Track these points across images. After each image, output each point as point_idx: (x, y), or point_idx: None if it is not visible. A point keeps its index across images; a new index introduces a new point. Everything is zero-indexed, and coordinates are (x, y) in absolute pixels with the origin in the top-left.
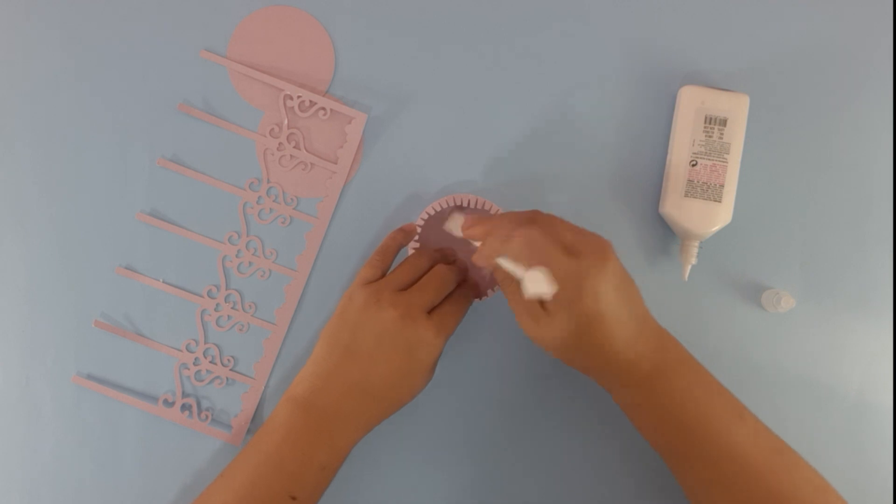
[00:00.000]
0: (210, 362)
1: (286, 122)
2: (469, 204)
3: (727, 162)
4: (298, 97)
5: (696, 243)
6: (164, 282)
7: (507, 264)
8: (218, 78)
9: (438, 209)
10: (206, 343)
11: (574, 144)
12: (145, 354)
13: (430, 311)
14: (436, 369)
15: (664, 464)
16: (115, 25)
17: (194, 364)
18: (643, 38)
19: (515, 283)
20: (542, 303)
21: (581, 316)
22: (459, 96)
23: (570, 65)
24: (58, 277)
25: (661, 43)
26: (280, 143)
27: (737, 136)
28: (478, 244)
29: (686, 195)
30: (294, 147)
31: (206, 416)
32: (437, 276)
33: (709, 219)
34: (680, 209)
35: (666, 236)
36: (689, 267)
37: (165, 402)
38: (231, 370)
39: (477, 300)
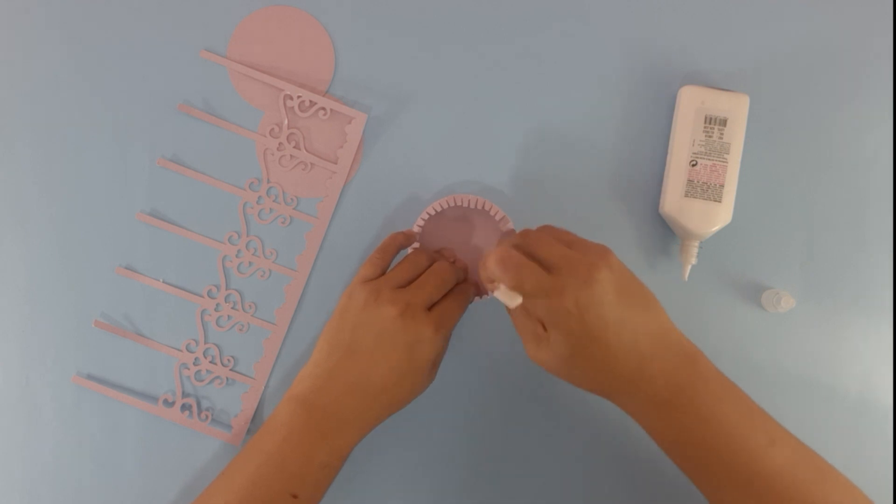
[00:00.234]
0: (210, 362)
1: (286, 122)
2: (469, 204)
3: (727, 162)
4: (298, 97)
5: (696, 243)
6: (164, 282)
7: (499, 291)
8: (218, 78)
9: (439, 209)
10: (206, 343)
11: (574, 144)
12: (145, 354)
13: (430, 308)
14: (438, 370)
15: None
16: (115, 25)
17: (194, 364)
18: (643, 38)
19: (519, 311)
20: (542, 325)
21: (570, 335)
22: (459, 96)
23: (570, 65)
24: (58, 277)
25: (661, 43)
26: (280, 143)
27: (737, 136)
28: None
29: (686, 195)
30: (294, 147)
31: (206, 416)
32: (436, 273)
33: (709, 219)
34: (680, 209)
35: (666, 236)
36: (689, 267)
37: (165, 402)
38: (231, 370)
39: (478, 298)
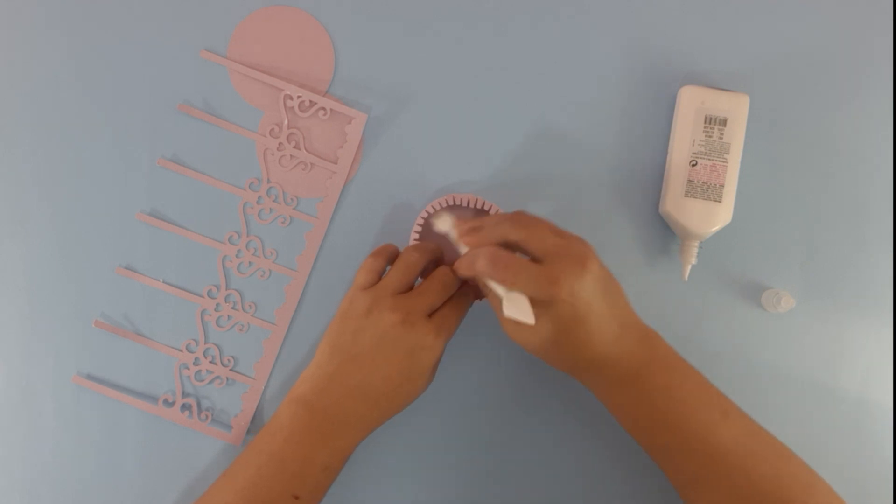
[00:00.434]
0: (210, 362)
1: (286, 122)
2: (469, 204)
3: (727, 162)
4: (298, 97)
5: (696, 243)
6: (164, 282)
7: (491, 283)
8: (218, 78)
9: (438, 208)
10: (206, 343)
11: (574, 144)
12: (145, 354)
13: (431, 314)
14: (436, 371)
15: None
16: (115, 25)
17: (194, 364)
18: (643, 38)
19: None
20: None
21: (559, 320)
22: (459, 96)
23: (570, 65)
24: (58, 277)
25: (661, 43)
26: (280, 143)
27: (737, 136)
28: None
29: (686, 195)
30: (294, 147)
31: (206, 416)
32: (438, 280)
33: (709, 219)
34: (680, 209)
35: (666, 236)
36: (689, 267)
37: (165, 402)
38: (231, 370)
39: (477, 301)
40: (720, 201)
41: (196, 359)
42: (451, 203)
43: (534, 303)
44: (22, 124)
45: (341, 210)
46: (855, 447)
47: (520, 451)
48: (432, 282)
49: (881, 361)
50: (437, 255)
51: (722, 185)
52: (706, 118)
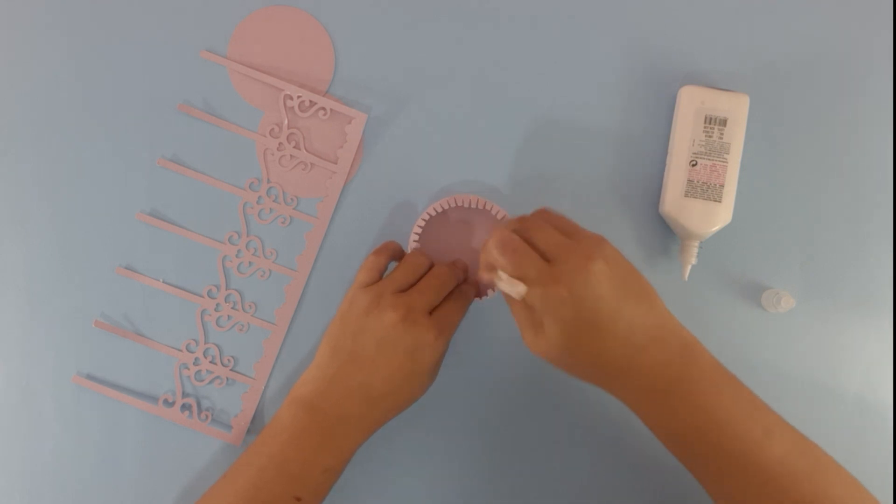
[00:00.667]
0: (210, 362)
1: (286, 122)
2: (470, 205)
3: (727, 162)
4: (298, 97)
5: (696, 243)
6: (164, 282)
7: (500, 280)
8: (218, 78)
9: (440, 209)
10: (206, 343)
11: (574, 144)
12: (145, 354)
13: (431, 312)
14: (439, 371)
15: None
16: (115, 25)
17: (194, 364)
18: (643, 38)
19: (516, 301)
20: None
21: (564, 323)
22: (459, 96)
23: (570, 65)
24: (58, 277)
25: (661, 43)
26: (280, 143)
27: (737, 136)
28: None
29: (686, 195)
30: (294, 147)
31: (206, 416)
32: (436, 277)
33: (709, 219)
34: (680, 209)
35: (666, 236)
36: (689, 267)
37: (165, 402)
38: (231, 370)
39: (477, 299)
40: (720, 201)
41: (196, 359)
42: (452, 205)
43: (540, 307)
44: (22, 124)
45: (341, 210)
46: (855, 447)
47: (526, 452)
48: (431, 279)
49: (881, 361)
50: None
51: (722, 185)
52: (706, 118)
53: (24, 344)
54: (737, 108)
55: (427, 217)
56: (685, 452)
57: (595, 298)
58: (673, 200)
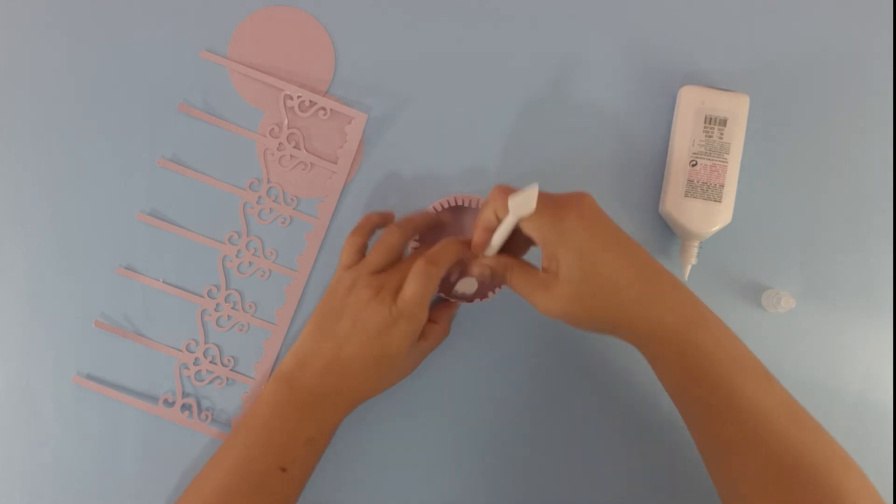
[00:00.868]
0: (210, 362)
1: (286, 122)
2: (471, 204)
3: (727, 162)
4: (298, 97)
5: (696, 243)
6: (164, 282)
7: (501, 229)
8: (218, 78)
9: (440, 209)
10: (206, 343)
11: (574, 144)
12: (145, 354)
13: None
14: (421, 353)
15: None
16: (115, 25)
17: (194, 364)
18: (643, 38)
19: (515, 266)
20: (544, 269)
21: (581, 251)
22: (459, 96)
23: (570, 65)
24: (58, 277)
25: (661, 43)
26: (280, 143)
27: (737, 136)
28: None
29: (686, 195)
30: (294, 147)
31: (206, 416)
32: (410, 259)
33: (709, 219)
34: (680, 209)
35: (666, 236)
36: (689, 267)
37: (165, 402)
38: (231, 370)
39: (478, 300)
40: (720, 201)
41: (196, 359)
42: (452, 203)
43: (553, 245)
44: (22, 124)
45: (341, 210)
46: (855, 447)
47: (519, 451)
48: (409, 260)
49: (881, 361)
50: (422, 232)
51: (722, 185)
52: (706, 118)
53: (24, 344)
54: (737, 108)
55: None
56: (687, 397)
57: (601, 220)
58: (673, 200)
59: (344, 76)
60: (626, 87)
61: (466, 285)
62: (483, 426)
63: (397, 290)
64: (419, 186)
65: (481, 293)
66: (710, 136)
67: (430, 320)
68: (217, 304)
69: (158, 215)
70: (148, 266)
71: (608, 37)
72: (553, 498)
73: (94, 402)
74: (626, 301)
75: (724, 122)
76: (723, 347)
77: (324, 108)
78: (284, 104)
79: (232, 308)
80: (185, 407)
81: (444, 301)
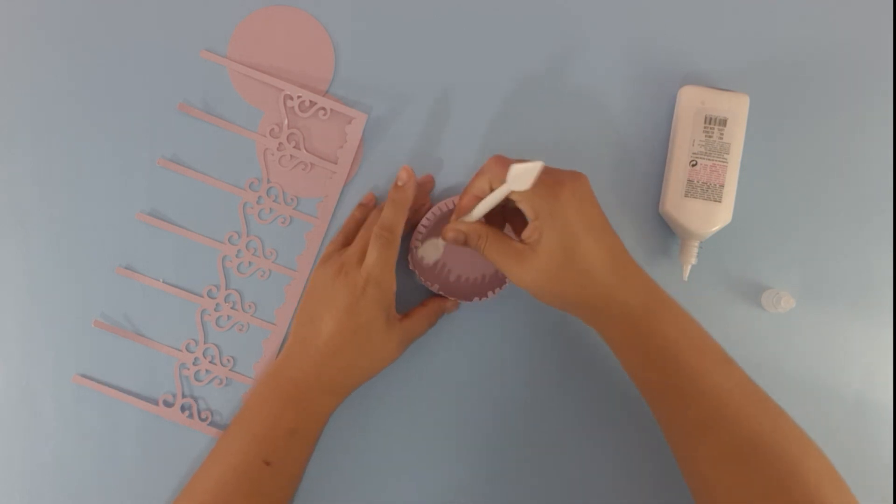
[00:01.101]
0: (210, 362)
1: (286, 122)
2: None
3: (727, 162)
4: (298, 97)
5: (696, 243)
6: (164, 282)
7: (488, 199)
8: (218, 78)
9: (445, 209)
10: (205, 343)
11: (574, 144)
12: (145, 354)
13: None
14: (400, 335)
15: (662, 466)
16: (115, 26)
17: (194, 364)
18: (643, 38)
19: (490, 235)
20: (523, 240)
21: (566, 229)
22: (459, 96)
23: (570, 65)
24: (58, 277)
25: (661, 43)
26: (280, 143)
27: (737, 136)
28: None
29: (686, 195)
30: (294, 147)
31: (206, 416)
32: (366, 228)
33: (709, 219)
34: (680, 209)
35: (666, 236)
36: (689, 267)
37: (165, 402)
38: (231, 370)
39: (478, 300)
40: (720, 201)
41: (196, 359)
42: (453, 204)
43: (542, 215)
44: (22, 124)
45: (341, 210)
46: (855, 447)
47: (518, 451)
48: (364, 232)
49: (881, 361)
50: (373, 207)
51: (722, 185)
52: (706, 118)
53: (24, 344)
54: (737, 108)
55: (431, 217)
56: (651, 381)
57: (592, 200)
58: (673, 200)
59: (344, 76)
60: (626, 87)
61: (431, 249)
62: (482, 426)
63: (360, 261)
64: (419, 186)
65: (481, 293)
66: (710, 136)
67: (420, 305)
68: (217, 304)
69: (158, 215)
70: (148, 266)
71: (608, 37)
72: (552, 497)
73: (94, 402)
74: (596, 283)
75: (724, 122)
76: (683, 331)
77: (324, 108)
78: (284, 104)
79: (232, 308)
80: (184, 407)
81: (439, 296)
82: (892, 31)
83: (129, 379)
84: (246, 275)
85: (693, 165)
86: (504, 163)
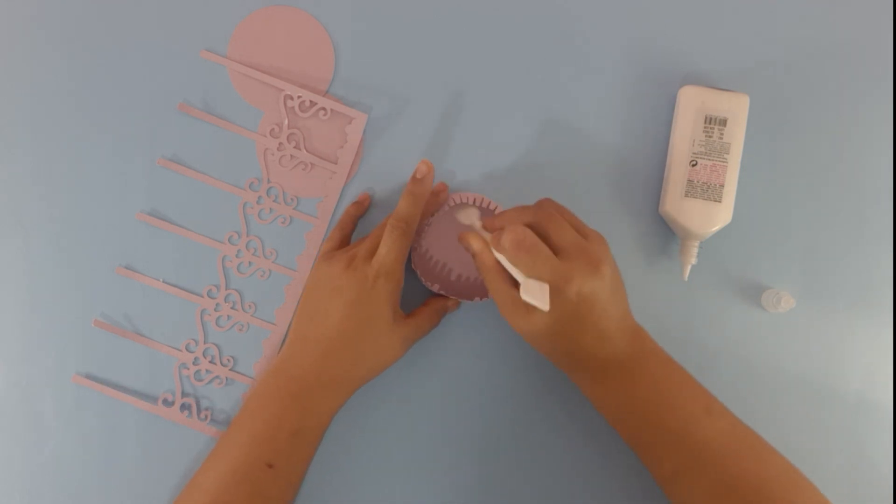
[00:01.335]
0: (210, 362)
1: (286, 122)
2: (473, 203)
3: (727, 162)
4: (299, 97)
5: (696, 243)
6: (164, 282)
7: (507, 264)
8: (218, 78)
9: (447, 209)
10: (205, 343)
11: (574, 144)
12: (145, 354)
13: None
14: (412, 336)
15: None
16: (115, 26)
17: (194, 364)
18: (643, 38)
19: (499, 274)
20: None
21: (560, 314)
22: (459, 96)
23: (570, 65)
24: (58, 277)
25: (661, 43)
26: (280, 143)
27: (737, 136)
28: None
29: (686, 195)
30: (294, 147)
31: (206, 416)
32: (380, 227)
33: (709, 219)
34: (680, 209)
35: (666, 236)
36: (689, 267)
37: (165, 401)
38: (231, 370)
39: (478, 300)
40: (720, 201)
41: (196, 358)
42: (455, 202)
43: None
44: (22, 124)
45: (341, 210)
46: (855, 447)
47: (518, 451)
48: (378, 228)
49: (881, 361)
50: (367, 206)
51: (722, 185)
52: (706, 118)
53: (24, 344)
54: (737, 108)
55: (429, 217)
56: (631, 431)
57: (594, 300)
58: (673, 200)
59: (344, 76)
60: (626, 87)
61: (470, 215)
62: (483, 426)
63: (370, 255)
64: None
65: (482, 292)
66: (710, 136)
67: (423, 305)
68: (217, 304)
69: (158, 215)
70: (148, 266)
71: (608, 37)
72: (556, 494)
73: (94, 402)
74: (580, 358)
75: (724, 122)
76: (665, 380)
77: (324, 109)
78: (285, 104)
79: (232, 308)
80: (184, 406)
81: (441, 296)
82: (892, 31)
83: (129, 379)
84: (246, 275)
85: (693, 165)
86: (523, 250)
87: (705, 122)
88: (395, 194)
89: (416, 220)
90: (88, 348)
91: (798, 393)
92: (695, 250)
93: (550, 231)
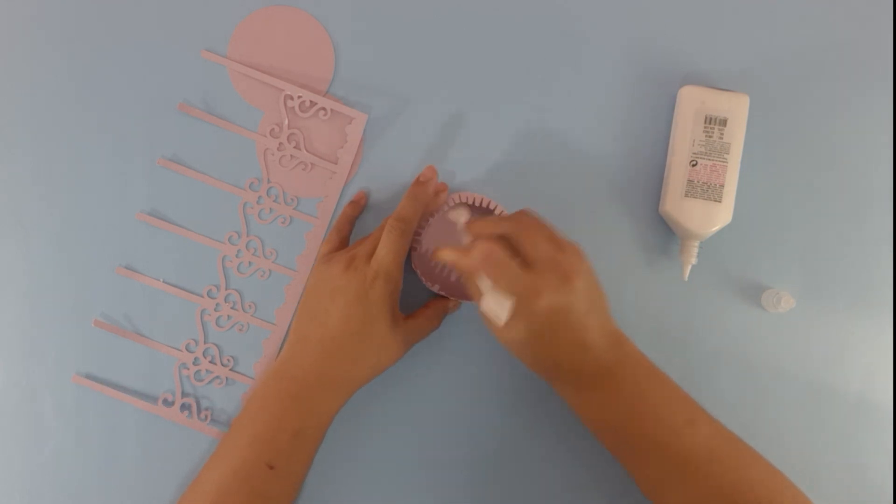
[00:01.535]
0: (210, 362)
1: (286, 122)
2: (474, 203)
3: (727, 162)
4: (299, 97)
5: (696, 243)
6: (164, 282)
7: (478, 276)
8: (218, 78)
9: (445, 208)
10: (205, 343)
11: (575, 145)
12: (145, 354)
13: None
14: (413, 337)
15: None
16: (115, 25)
17: (194, 364)
18: (643, 38)
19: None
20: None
21: (532, 326)
22: (459, 97)
23: (569, 65)
24: (58, 277)
25: (661, 43)
26: (280, 144)
27: (737, 136)
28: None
29: (686, 195)
30: (294, 147)
31: (206, 416)
32: (379, 228)
33: (709, 219)
34: (680, 209)
35: (666, 236)
36: (689, 267)
37: (165, 401)
38: (231, 370)
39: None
40: (720, 201)
41: (196, 359)
42: (457, 201)
43: (517, 312)
44: (22, 124)
45: (341, 210)
46: (855, 447)
47: (518, 451)
48: (377, 230)
49: (881, 361)
50: (364, 205)
51: (722, 185)
52: (706, 118)
53: (24, 344)
54: (737, 108)
55: (429, 217)
56: (613, 440)
57: (568, 312)
58: (673, 200)
59: (344, 76)
60: (626, 87)
61: (458, 214)
62: (483, 426)
63: (370, 256)
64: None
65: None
66: (710, 136)
67: (423, 307)
68: (217, 304)
69: (158, 215)
70: (148, 266)
71: (608, 37)
72: (557, 496)
73: (94, 402)
74: (562, 368)
75: (724, 122)
76: (647, 389)
77: (324, 109)
78: (285, 104)
79: (232, 308)
80: (184, 407)
81: (442, 297)
82: (892, 31)
83: (129, 379)
84: (246, 275)
85: (693, 165)
86: (493, 266)
87: (705, 122)
88: (395, 194)
89: (416, 221)
90: (88, 348)
91: (798, 393)
92: (695, 250)
93: (524, 243)
